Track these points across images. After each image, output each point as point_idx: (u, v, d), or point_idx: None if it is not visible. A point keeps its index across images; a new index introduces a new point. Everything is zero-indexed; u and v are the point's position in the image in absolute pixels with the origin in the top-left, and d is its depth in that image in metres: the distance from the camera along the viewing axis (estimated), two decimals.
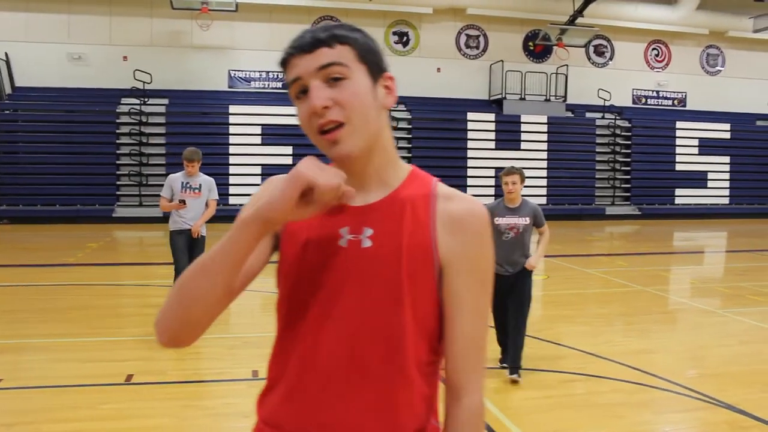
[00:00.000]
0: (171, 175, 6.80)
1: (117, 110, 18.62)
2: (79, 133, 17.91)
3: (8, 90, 18.50)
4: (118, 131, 18.56)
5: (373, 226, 1.24)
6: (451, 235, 1.23)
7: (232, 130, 18.86)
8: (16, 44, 18.58)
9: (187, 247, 6.69)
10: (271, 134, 18.59)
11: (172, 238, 6.74)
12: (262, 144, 18.66)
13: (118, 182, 18.29)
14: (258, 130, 18.77)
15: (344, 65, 1.19)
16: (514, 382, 4.85)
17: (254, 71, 20.19)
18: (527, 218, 5.03)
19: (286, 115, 18.85)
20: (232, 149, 18.72)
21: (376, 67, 1.24)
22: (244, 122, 18.85)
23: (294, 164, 1.25)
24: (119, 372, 4.96)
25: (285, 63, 1.23)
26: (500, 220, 5.03)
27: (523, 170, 5.17)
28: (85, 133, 17.96)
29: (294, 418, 1.25)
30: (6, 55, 18.40)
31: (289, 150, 18.29)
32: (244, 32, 19.87)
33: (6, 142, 17.74)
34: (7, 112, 18.00)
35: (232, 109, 19.06)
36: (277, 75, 20.27)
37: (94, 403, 4.37)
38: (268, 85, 20.27)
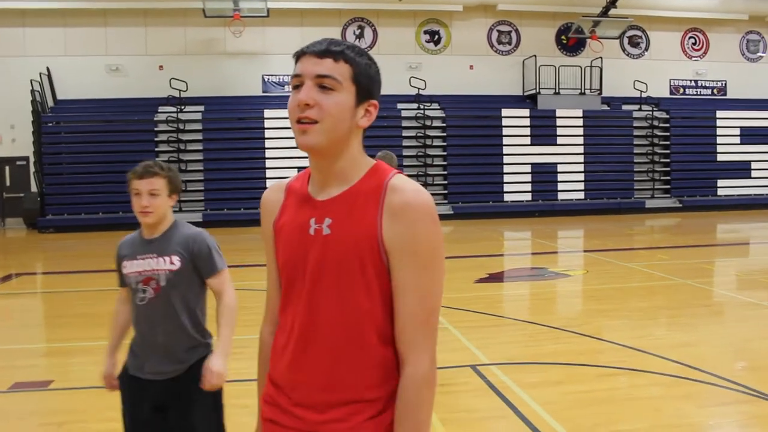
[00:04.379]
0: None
1: (155, 119, 19.00)
2: (118, 143, 18.27)
3: (50, 103, 19.03)
4: (156, 139, 18.94)
5: (332, 216, 1.48)
6: (393, 224, 1.42)
7: (267, 134, 19.06)
8: (57, 58, 19.11)
9: None
10: None
11: None
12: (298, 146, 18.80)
13: None
14: (293, 133, 18.89)
15: (337, 81, 1.43)
16: None
17: (287, 75, 20.35)
18: (176, 259, 2.67)
19: None
20: (268, 153, 18.91)
21: (365, 92, 1.48)
22: (279, 126, 19.03)
23: None
24: None
25: (298, 57, 1.48)
26: (127, 266, 2.73)
27: (172, 167, 2.78)
28: (124, 142, 18.33)
29: (282, 375, 1.53)
30: (47, 69, 18.93)
31: None
32: (276, 37, 20.07)
33: (50, 153, 18.23)
34: (50, 124, 18.50)
35: (267, 113, 19.27)
36: None
37: None
38: None
